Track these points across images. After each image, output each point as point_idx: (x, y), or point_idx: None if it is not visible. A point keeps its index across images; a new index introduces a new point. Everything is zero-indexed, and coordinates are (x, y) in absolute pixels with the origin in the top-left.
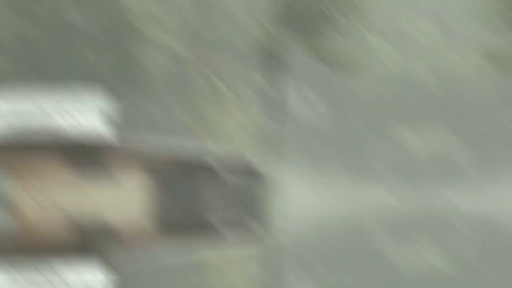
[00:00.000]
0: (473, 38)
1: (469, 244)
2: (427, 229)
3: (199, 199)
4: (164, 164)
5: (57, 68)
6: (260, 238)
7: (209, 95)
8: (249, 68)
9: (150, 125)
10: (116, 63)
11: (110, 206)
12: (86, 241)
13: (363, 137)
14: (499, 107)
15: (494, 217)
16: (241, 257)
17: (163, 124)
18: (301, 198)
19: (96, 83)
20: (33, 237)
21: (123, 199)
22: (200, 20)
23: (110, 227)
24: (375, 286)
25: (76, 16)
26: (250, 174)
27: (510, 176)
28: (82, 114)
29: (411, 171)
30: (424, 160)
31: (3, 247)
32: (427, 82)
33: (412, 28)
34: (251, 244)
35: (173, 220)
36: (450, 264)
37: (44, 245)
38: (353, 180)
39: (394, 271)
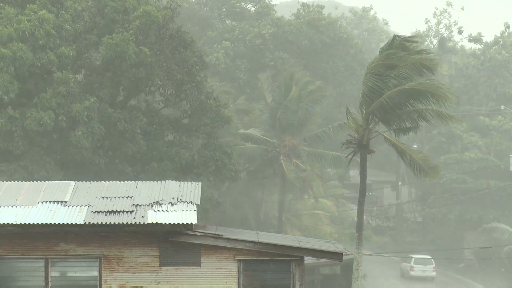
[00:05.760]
0: None
1: None
2: None
3: None
4: (253, 254)
5: (149, 159)
6: None
7: (296, 183)
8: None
9: (236, 212)
10: (206, 153)
11: None
12: None
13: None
14: None
15: None
16: None
17: (249, 212)
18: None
19: (184, 174)
20: None
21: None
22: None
23: None
24: None
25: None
26: (339, 262)
27: None
28: (173, 205)
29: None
30: None
31: None
32: None
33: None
34: None
35: None
36: None
37: None
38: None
39: None
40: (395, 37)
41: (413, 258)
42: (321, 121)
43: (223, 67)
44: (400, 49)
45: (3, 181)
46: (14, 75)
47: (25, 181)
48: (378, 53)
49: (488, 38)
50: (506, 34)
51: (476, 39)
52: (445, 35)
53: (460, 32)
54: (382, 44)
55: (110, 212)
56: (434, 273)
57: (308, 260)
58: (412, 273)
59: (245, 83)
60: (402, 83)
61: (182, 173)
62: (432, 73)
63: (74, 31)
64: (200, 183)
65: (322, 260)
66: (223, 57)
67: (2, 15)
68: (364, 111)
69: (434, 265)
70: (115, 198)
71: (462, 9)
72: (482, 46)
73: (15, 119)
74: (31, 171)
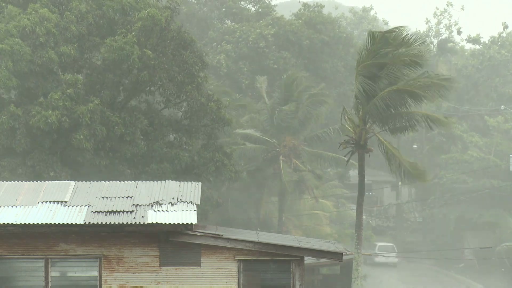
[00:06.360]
0: None
1: None
2: None
3: None
4: (253, 254)
5: (149, 161)
6: None
7: (289, 186)
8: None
9: (236, 212)
10: (206, 154)
11: None
12: None
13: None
14: None
15: None
16: None
17: (249, 212)
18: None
19: (184, 175)
20: None
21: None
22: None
23: None
24: None
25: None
26: (339, 262)
27: None
28: (173, 205)
29: None
30: None
31: None
32: None
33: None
34: None
35: None
36: None
37: None
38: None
39: None
40: (372, 33)
41: (377, 245)
42: (322, 121)
43: (224, 71)
44: (385, 45)
45: (5, 176)
46: (13, 71)
47: (25, 181)
48: (361, 51)
49: (487, 38)
50: (505, 34)
51: (474, 40)
52: (445, 35)
53: (459, 32)
54: None
55: (110, 212)
56: (396, 260)
57: (308, 260)
58: (376, 259)
59: (247, 86)
60: (393, 82)
61: (182, 174)
62: (420, 65)
63: (78, 32)
64: (200, 183)
65: (322, 260)
66: (225, 60)
67: (5, 14)
68: (361, 111)
69: (396, 252)
70: (115, 198)
71: (462, 9)
72: (481, 46)
73: (18, 116)
74: (38, 171)
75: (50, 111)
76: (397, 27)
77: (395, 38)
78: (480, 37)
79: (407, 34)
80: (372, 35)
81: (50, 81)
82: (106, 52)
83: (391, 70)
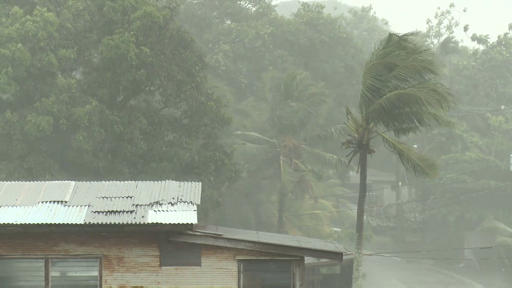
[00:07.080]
0: None
1: None
2: None
3: None
4: (253, 254)
5: (148, 160)
6: None
7: (289, 186)
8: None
9: (236, 212)
10: (206, 153)
11: None
12: None
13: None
14: None
15: None
16: None
17: (249, 212)
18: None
19: (184, 174)
20: None
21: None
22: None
23: None
24: None
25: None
26: (339, 262)
27: None
28: (173, 205)
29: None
30: None
31: None
32: None
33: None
34: None
35: None
36: None
37: None
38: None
39: None
40: (391, 35)
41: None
42: (321, 122)
43: (223, 69)
44: (398, 48)
45: (1, 180)
46: (12, 76)
47: (26, 181)
48: (374, 50)
49: (493, 38)
50: (510, 35)
51: (479, 39)
52: (446, 35)
53: (465, 29)
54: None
55: (110, 212)
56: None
57: (308, 260)
58: None
59: (246, 86)
60: (401, 85)
61: (182, 173)
62: (433, 73)
63: (75, 29)
64: (200, 183)
65: (322, 260)
66: (223, 59)
67: (9, 15)
68: (364, 111)
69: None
70: (115, 198)
71: (464, 11)
72: (485, 47)
73: (13, 123)
74: (35, 174)
75: (41, 117)
76: (413, 33)
77: (409, 43)
78: (488, 38)
79: (415, 37)
80: (390, 37)
81: (49, 84)
82: (104, 51)
83: (400, 73)
